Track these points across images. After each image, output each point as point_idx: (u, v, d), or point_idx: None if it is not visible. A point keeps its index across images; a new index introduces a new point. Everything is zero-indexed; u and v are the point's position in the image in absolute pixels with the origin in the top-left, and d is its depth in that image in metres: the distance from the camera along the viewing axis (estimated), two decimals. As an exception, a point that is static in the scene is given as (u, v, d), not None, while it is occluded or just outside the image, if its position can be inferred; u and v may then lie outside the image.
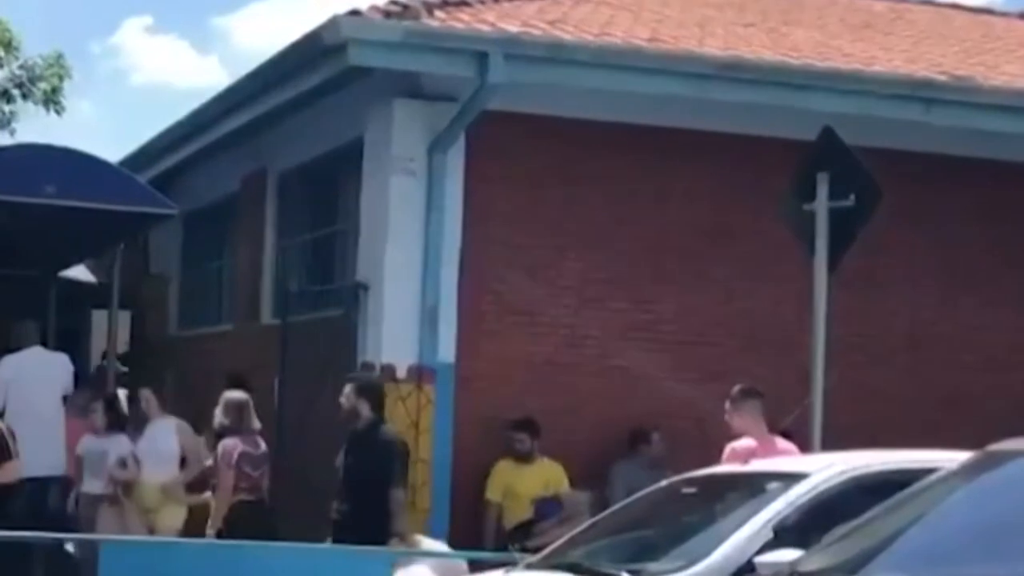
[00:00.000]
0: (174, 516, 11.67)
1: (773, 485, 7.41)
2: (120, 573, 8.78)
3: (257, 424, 11.03)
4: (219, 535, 10.38)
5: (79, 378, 13.20)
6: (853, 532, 5.20)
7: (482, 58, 11.08)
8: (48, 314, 16.08)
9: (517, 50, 11.20)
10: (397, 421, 11.52)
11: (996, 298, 12.98)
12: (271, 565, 9.13)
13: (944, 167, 12.63)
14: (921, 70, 12.32)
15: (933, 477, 5.38)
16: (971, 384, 12.67)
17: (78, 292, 17.61)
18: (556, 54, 11.31)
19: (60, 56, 20.57)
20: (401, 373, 11.61)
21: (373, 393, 10.37)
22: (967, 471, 5.21)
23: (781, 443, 9.29)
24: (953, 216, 12.83)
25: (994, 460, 5.15)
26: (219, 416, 10.80)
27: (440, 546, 10.19)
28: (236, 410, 10.79)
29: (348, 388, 10.35)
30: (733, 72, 11.58)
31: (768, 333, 12.25)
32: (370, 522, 9.84)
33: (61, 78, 20.45)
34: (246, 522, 10.45)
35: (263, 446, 11.02)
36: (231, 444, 10.65)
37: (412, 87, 11.76)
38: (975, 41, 14.50)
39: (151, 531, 11.57)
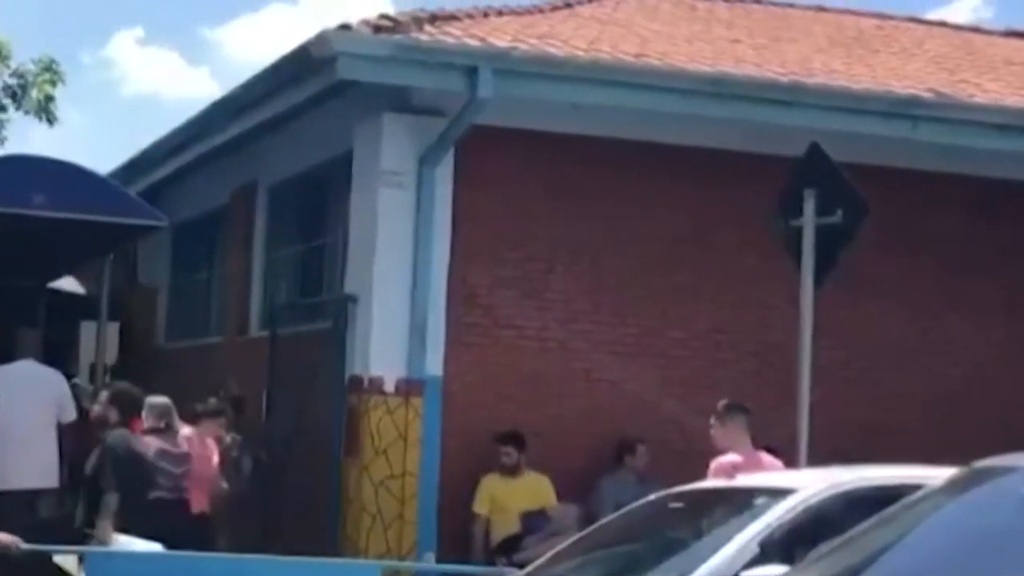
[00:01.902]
0: None
1: (760, 500, 7.44)
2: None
3: (179, 426, 11.19)
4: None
5: None
6: (838, 548, 5.23)
7: (471, 73, 11.11)
8: (37, 325, 16.08)
9: (506, 65, 11.24)
10: (385, 434, 11.56)
11: (983, 313, 13.04)
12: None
13: (930, 183, 12.69)
14: (908, 87, 12.38)
15: (919, 493, 5.40)
16: (959, 399, 12.72)
17: (67, 303, 17.63)
18: (545, 69, 11.35)
19: (53, 62, 20.44)
20: (389, 386, 11.64)
21: (124, 402, 10.56)
22: (953, 487, 5.23)
23: (766, 458, 9.32)
24: (939, 232, 12.90)
25: (980, 476, 5.17)
26: (145, 419, 10.92)
27: (142, 544, 9.97)
28: (158, 413, 10.94)
29: (104, 394, 10.68)
30: (720, 88, 11.63)
31: (755, 348, 12.30)
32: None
33: (54, 84, 20.31)
34: (160, 521, 10.23)
35: (184, 447, 11.15)
36: (148, 441, 10.80)
37: (401, 101, 11.79)
38: (961, 58, 14.57)
39: None
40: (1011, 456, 5.16)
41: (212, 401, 11.93)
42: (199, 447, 11.35)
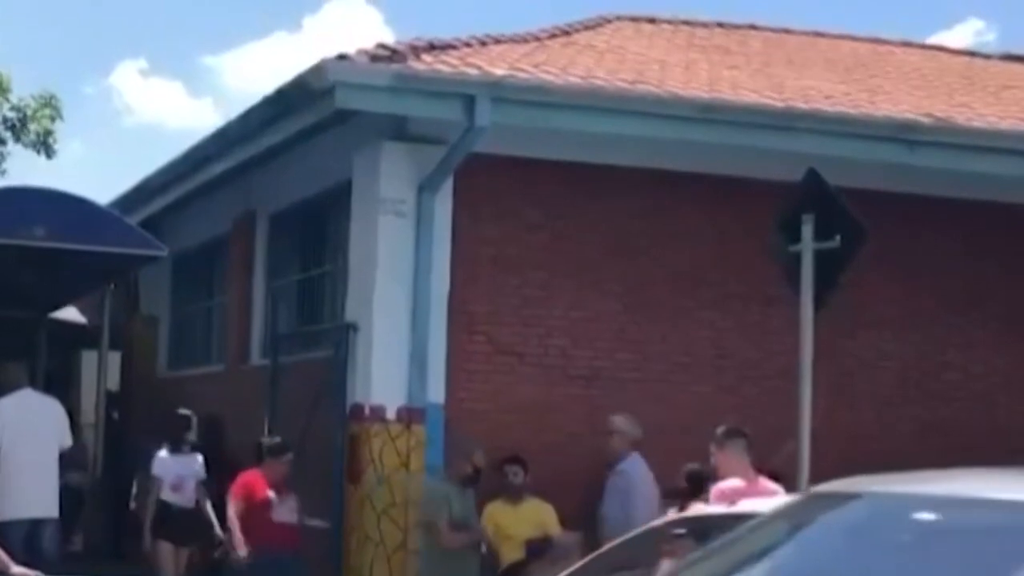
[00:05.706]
0: None
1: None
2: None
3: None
4: None
5: None
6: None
7: (469, 101, 11.15)
8: (38, 355, 16.12)
9: (504, 93, 11.27)
10: (387, 462, 11.57)
11: (983, 337, 13.06)
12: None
13: (928, 208, 12.72)
14: (905, 112, 12.41)
15: (759, 519, 5.26)
16: (959, 423, 12.72)
17: (68, 333, 17.65)
18: (542, 97, 11.38)
19: (52, 97, 20.54)
20: (391, 414, 11.64)
21: None
22: (790, 513, 5.10)
23: (767, 483, 9.32)
24: (938, 256, 12.93)
25: (816, 502, 5.00)
26: None
27: None
28: None
29: None
30: (717, 114, 11.66)
31: (755, 372, 12.31)
32: None
33: (53, 119, 20.41)
34: None
35: None
36: None
37: (400, 130, 11.83)
38: (958, 83, 14.62)
39: None
40: (848, 481, 4.98)
41: None
42: None
